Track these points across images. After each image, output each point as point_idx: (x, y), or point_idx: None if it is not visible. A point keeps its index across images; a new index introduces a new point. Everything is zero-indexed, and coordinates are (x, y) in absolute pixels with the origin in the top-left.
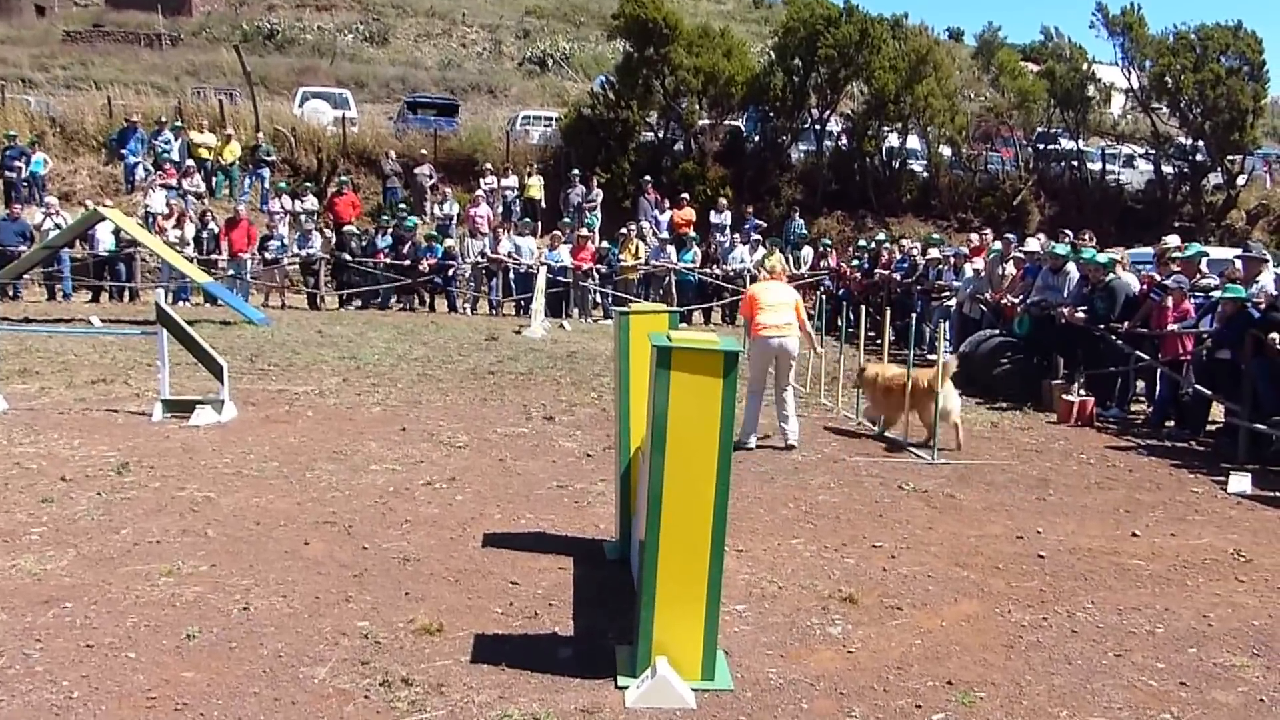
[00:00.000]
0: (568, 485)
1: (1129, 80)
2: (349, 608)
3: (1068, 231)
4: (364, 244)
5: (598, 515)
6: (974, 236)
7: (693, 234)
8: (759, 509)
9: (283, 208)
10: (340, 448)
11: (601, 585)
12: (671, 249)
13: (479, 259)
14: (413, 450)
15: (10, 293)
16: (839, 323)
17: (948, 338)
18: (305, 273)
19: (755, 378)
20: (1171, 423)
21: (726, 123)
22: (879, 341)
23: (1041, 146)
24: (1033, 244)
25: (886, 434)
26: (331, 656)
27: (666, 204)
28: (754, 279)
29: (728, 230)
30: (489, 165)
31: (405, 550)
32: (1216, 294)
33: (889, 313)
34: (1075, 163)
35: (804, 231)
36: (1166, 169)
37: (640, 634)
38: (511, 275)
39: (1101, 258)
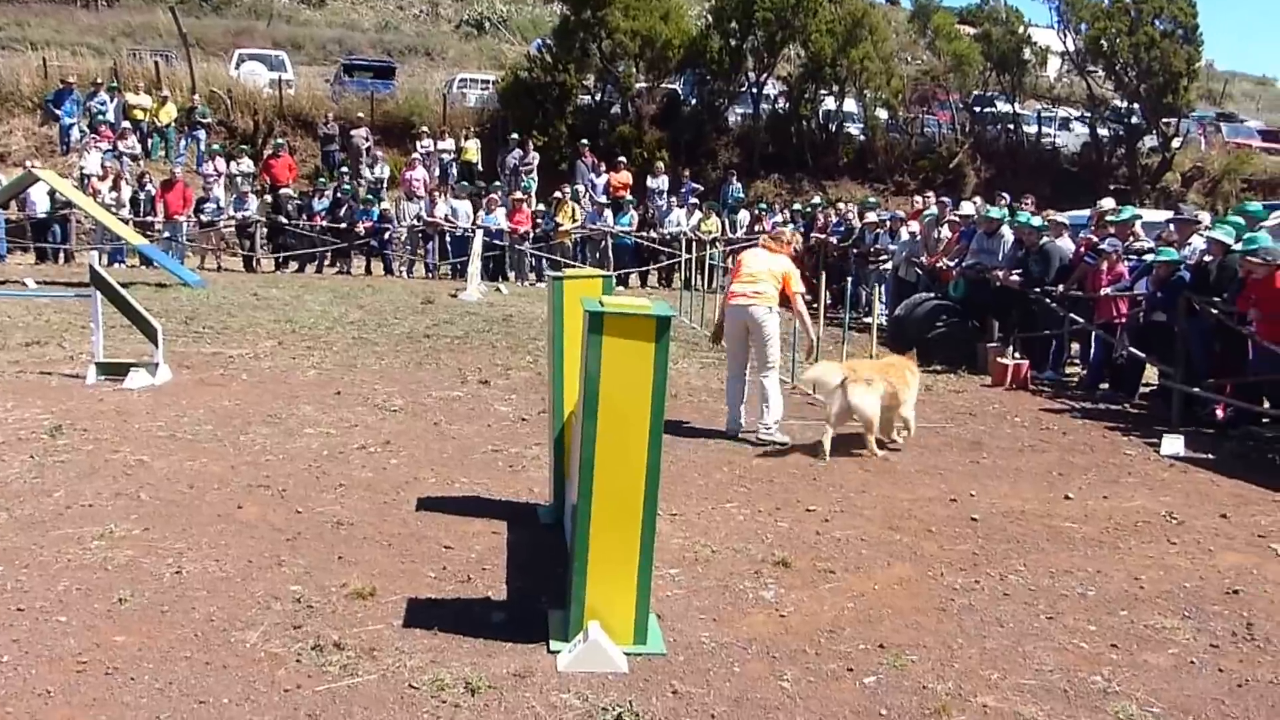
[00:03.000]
0: (502, 449)
1: (1065, 43)
2: (282, 572)
3: (1004, 194)
4: (300, 207)
5: (532, 479)
6: (912, 200)
7: (629, 197)
8: (693, 473)
9: (218, 170)
10: (275, 411)
11: (535, 549)
12: (608, 213)
13: (415, 222)
14: (347, 414)
15: None
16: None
17: (883, 301)
18: (241, 235)
19: (729, 355)
20: (1105, 385)
21: (663, 86)
22: (814, 305)
23: (978, 110)
24: (968, 207)
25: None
26: (264, 621)
27: (603, 167)
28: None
29: (664, 194)
30: (425, 128)
31: (339, 514)
32: (1150, 257)
33: (825, 277)
34: (1011, 126)
35: (741, 195)
36: (1102, 132)
37: (573, 598)
38: (448, 239)
39: (1036, 220)
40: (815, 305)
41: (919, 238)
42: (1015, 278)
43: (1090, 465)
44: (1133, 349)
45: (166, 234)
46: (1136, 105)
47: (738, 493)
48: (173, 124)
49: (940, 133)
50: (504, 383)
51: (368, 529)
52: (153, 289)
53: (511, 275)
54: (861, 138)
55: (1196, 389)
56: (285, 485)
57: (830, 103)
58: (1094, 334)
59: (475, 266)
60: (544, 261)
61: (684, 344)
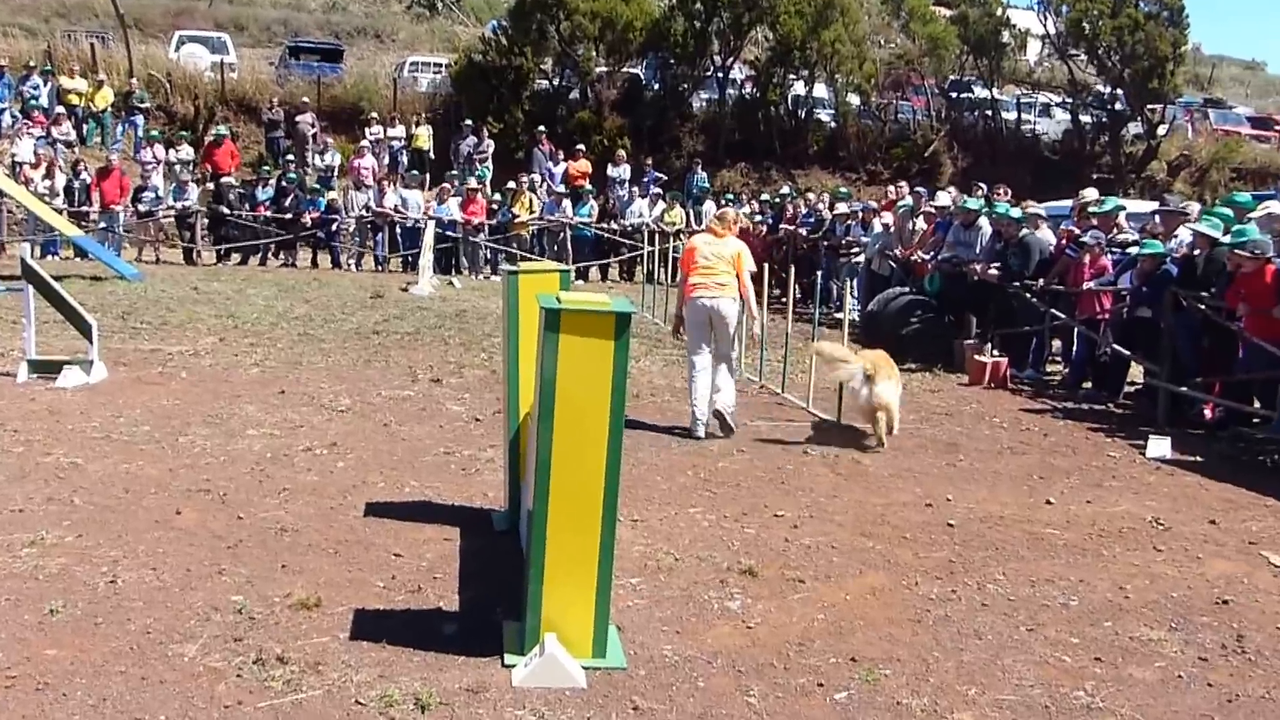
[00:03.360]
0: (455, 451)
1: (1045, 26)
2: (222, 581)
3: (981, 184)
4: (243, 196)
5: (486, 483)
6: (885, 190)
7: (589, 187)
8: (655, 476)
9: (157, 157)
10: (215, 411)
11: (489, 557)
12: (567, 203)
13: (364, 212)
14: (292, 414)
15: None
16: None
17: (855, 296)
18: (181, 226)
19: (692, 347)
20: (1088, 384)
21: (625, 70)
22: (784, 300)
23: (954, 95)
24: (944, 198)
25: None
26: (203, 633)
27: (561, 155)
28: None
29: (626, 183)
30: (375, 114)
31: (282, 520)
32: (1135, 250)
33: (794, 270)
34: (989, 112)
35: (706, 184)
36: (1084, 118)
37: (528, 609)
38: (398, 230)
39: (1015, 212)
40: (784, 299)
41: (893, 229)
42: (993, 271)
43: (1073, 468)
44: (1117, 346)
45: (102, 224)
46: (1120, 91)
47: (702, 497)
48: (109, 109)
49: (915, 119)
50: (457, 381)
51: (313, 536)
52: (87, 282)
53: (465, 269)
54: (832, 125)
55: (1184, 388)
56: (226, 489)
57: (800, 88)
58: (1076, 330)
59: (427, 259)
60: (499, 254)
61: (646, 341)
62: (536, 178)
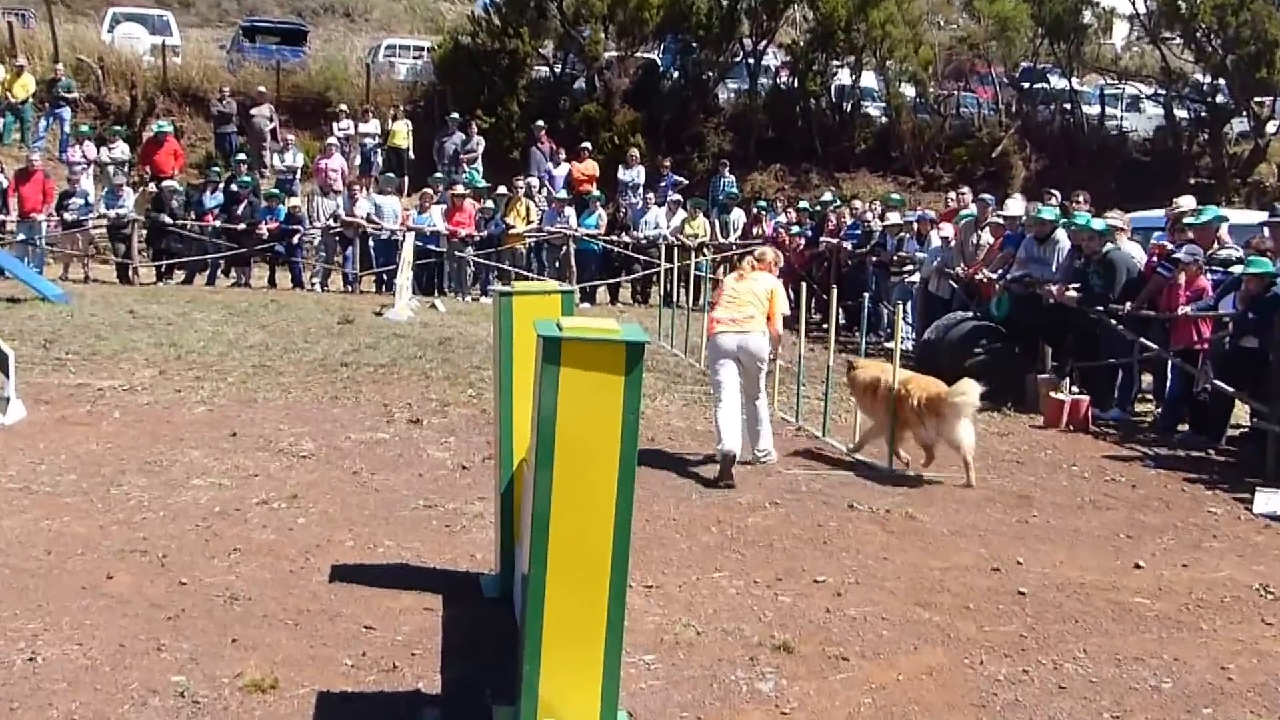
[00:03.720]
0: (437, 505)
1: (1134, 4)
2: (161, 658)
3: (1053, 192)
4: (188, 203)
5: (474, 542)
6: (944, 197)
7: (596, 193)
8: (673, 534)
9: (86, 157)
10: (154, 457)
11: (476, 630)
12: (570, 211)
13: (331, 222)
14: (245, 460)
15: None
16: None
17: (909, 321)
18: (115, 238)
19: (718, 382)
20: (1184, 427)
21: (638, 55)
22: (824, 326)
23: (1026, 86)
24: (1014, 206)
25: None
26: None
27: (563, 155)
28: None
29: (640, 189)
30: (344, 106)
31: (233, 586)
32: (1239, 269)
33: (837, 291)
34: (1068, 106)
35: (734, 190)
36: (1180, 113)
37: (523, 691)
38: (371, 243)
39: (1098, 223)
40: (825, 325)
41: (953, 244)
42: (1072, 293)
43: (1166, 526)
44: (1218, 382)
45: (21, 236)
46: (1222, 81)
47: (729, 559)
48: (30, 100)
49: (980, 114)
50: (440, 422)
51: (269, 604)
52: (4, 305)
53: (450, 289)
54: (883, 120)
55: None
56: (166, 550)
57: (844, 77)
58: (1170, 363)
59: (405, 278)
60: (490, 272)
61: (662, 375)
62: (534, 181)
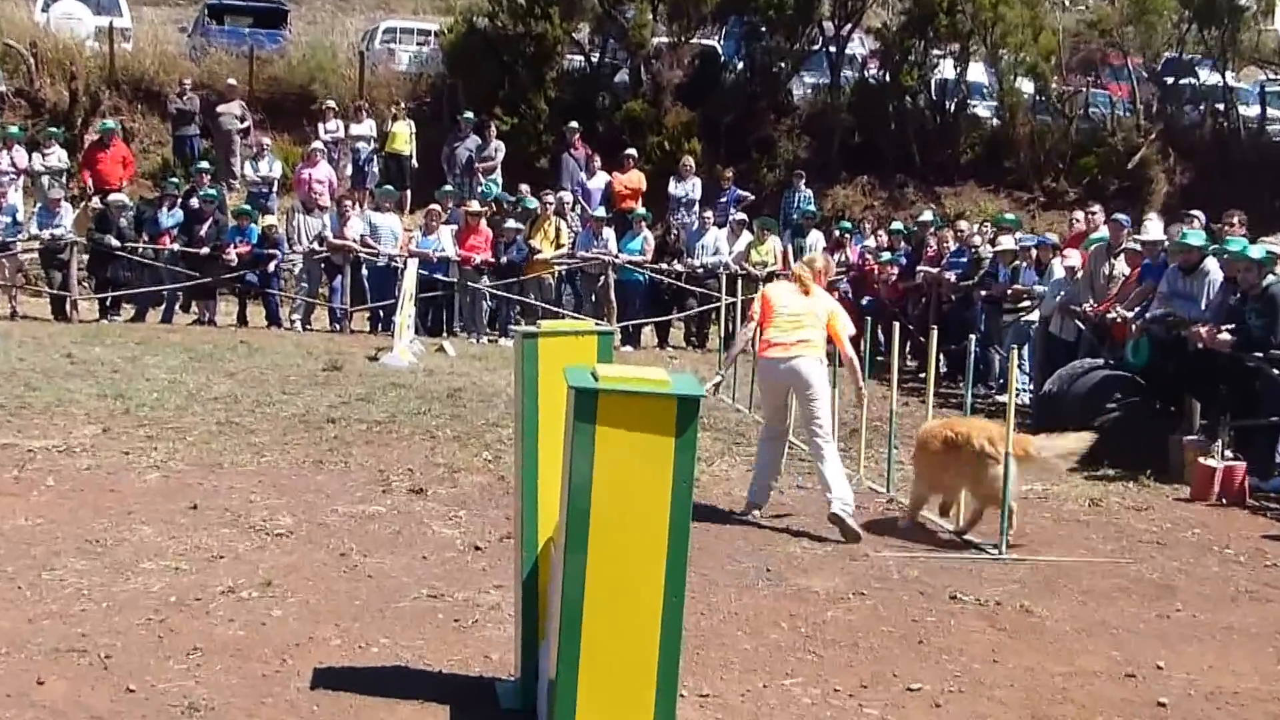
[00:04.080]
0: (444, 594)
1: None
2: None
3: (1196, 214)
4: (139, 221)
5: (488, 640)
6: (1069, 217)
7: (642, 210)
8: (735, 630)
9: (16, 165)
10: (96, 535)
11: None
12: (609, 233)
13: (315, 246)
14: (207, 539)
15: None
16: (861, 347)
17: (1026, 370)
18: (49, 264)
19: (768, 416)
20: None
21: (694, 42)
22: (922, 374)
23: (1170, 81)
24: (1154, 229)
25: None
26: None
27: (599, 164)
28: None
29: (695, 205)
30: (332, 103)
31: (192, 694)
32: None
33: (937, 332)
34: (1220, 106)
35: (811, 208)
36: None
37: None
38: (365, 271)
39: (1256, 250)
40: (922, 374)
41: (1080, 275)
42: (1225, 337)
43: None
44: None
45: None
46: None
47: (803, 662)
48: None
49: (1113, 115)
50: (448, 492)
51: (237, 716)
52: None
53: (461, 328)
54: (994, 122)
55: None
56: (110, 649)
57: (947, 69)
58: None
59: (406, 314)
60: (511, 308)
61: (721, 435)
62: (566, 196)
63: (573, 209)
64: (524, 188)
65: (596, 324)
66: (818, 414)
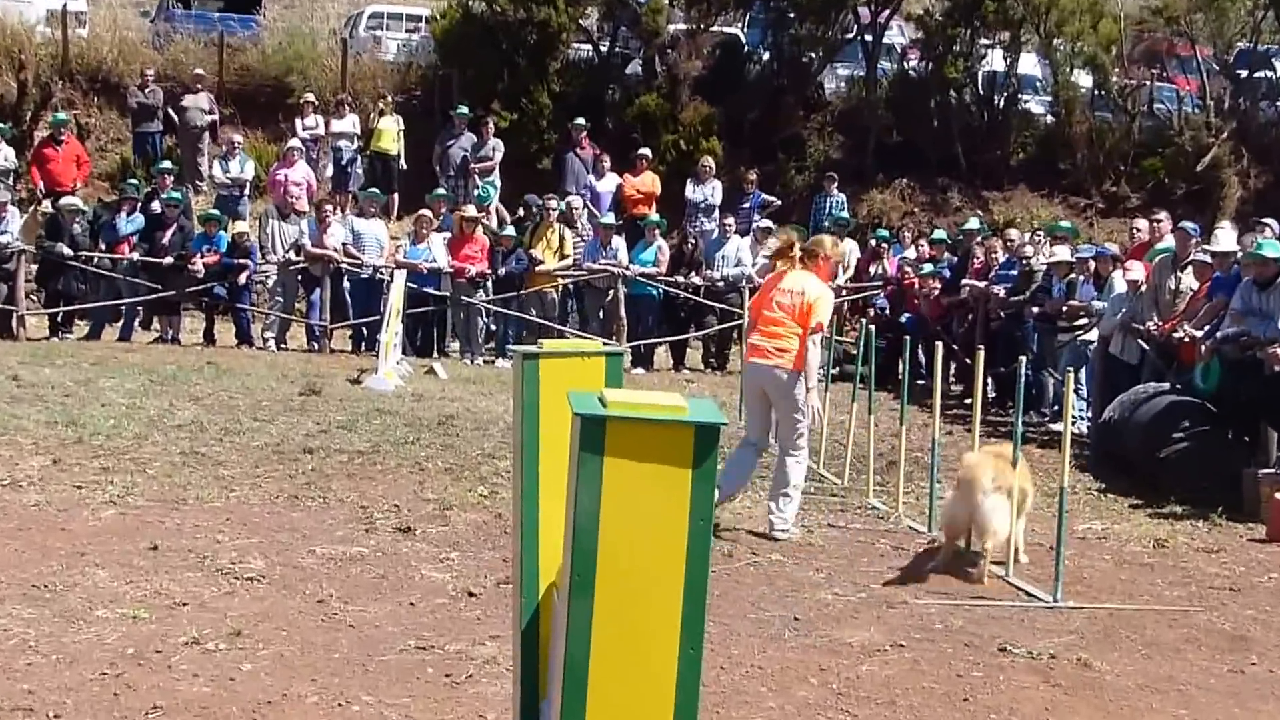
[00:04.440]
0: (433, 646)
1: None
2: None
3: (1271, 223)
4: (95, 228)
5: (483, 698)
6: (1132, 225)
7: (656, 217)
8: (759, 686)
9: None
10: (44, 579)
11: None
12: (620, 242)
13: (292, 255)
14: (169, 584)
15: None
16: (899, 368)
17: (1084, 396)
18: None
19: (748, 418)
20: None
21: (715, 29)
22: (967, 400)
23: (1243, 75)
24: (1226, 239)
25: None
26: None
27: (606, 165)
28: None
29: (715, 211)
30: (311, 97)
31: None
32: None
33: (984, 353)
34: None
35: (845, 214)
36: None
37: None
38: (347, 284)
39: None
40: (968, 400)
41: (1144, 290)
42: None
43: None
44: None
45: None
46: None
47: None
48: None
49: (1181, 112)
50: (438, 531)
51: None
52: None
53: (454, 348)
54: (1048, 119)
55: None
56: (59, 708)
57: (996, 60)
58: None
59: (393, 332)
60: (510, 325)
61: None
62: (576, 201)
63: (580, 214)
64: (530, 197)
65: (605, 344)
66: (792, 422)
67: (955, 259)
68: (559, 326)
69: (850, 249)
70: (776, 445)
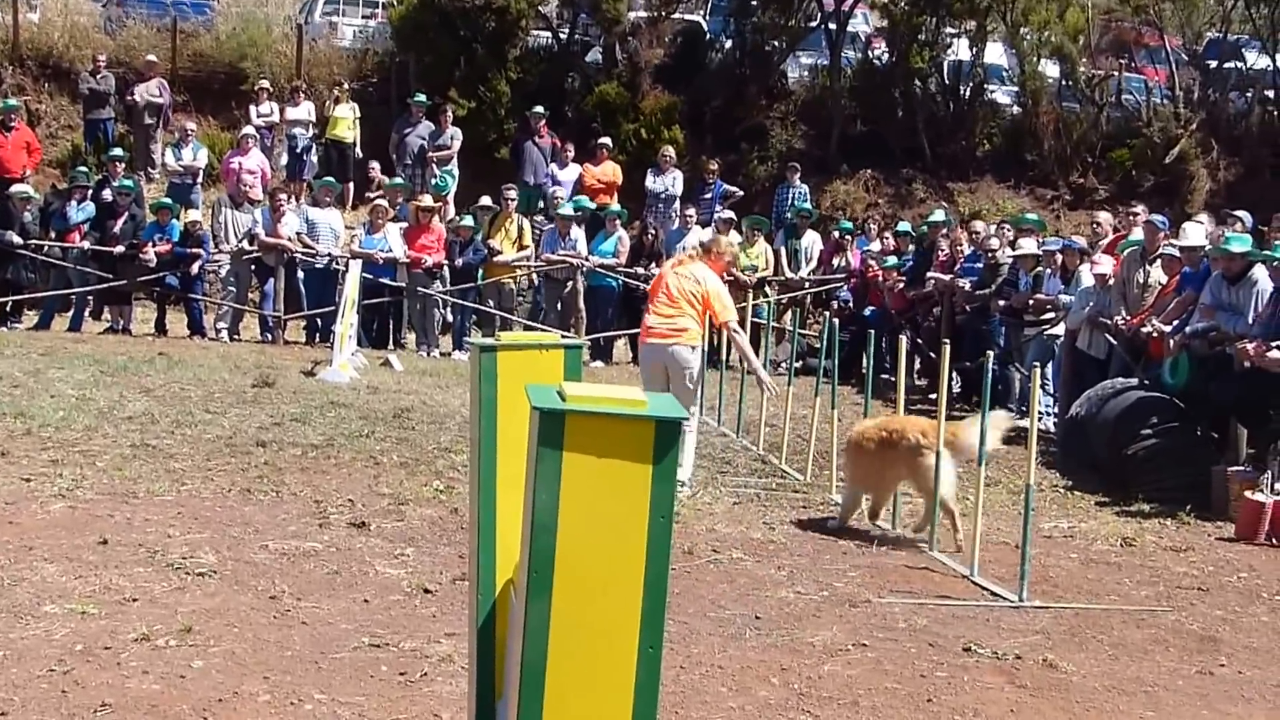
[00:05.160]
0: (388, 643)
1: None
2: None
3: (1242, 215)
4: (45, 216)
5: (438, 696)
6: (1096, 218)
7: (616, 207)
8: (719, 686)
9: None
10: None
11: None
12: (579, 233)
13: (245, 245)
14: (119, 579)
15: None
16: (863, 362)
17: (1050, 391)
18: None
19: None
20: None
21: (676, 17)
22: (932, 396)
23: (1213, 65)
24: (1195, 233)
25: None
26: None
27: (571, 154)
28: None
29: (676, 201)
30: (265, 83)
31: None
32: None
33: (950, 347)
34: (1269, 93)
35: (808, 206)
36: None
37: None
38: (301, 274)
39: None
40: (933, 395)
41: (1112, 283)
42: (1276, 354)
43: None
44: None
45: None
46: None
47: None
48: None
49: (1149, 103)
50: (393, 527)
51: None
52: None
53: (410, 340)
54: (1015, 110)
55: None
56: (7, 705)
57: (961, 50)
58: None
59: (348, 324)
60: (467, 317)
61: (706, 462)
62: (562, 192)
63: (539, 205)
64: (484, 199)
65: (563, 336)
66: (684, 394)
67: (920, 252)
68: (517, 318)
69: (813, 242)
70: None
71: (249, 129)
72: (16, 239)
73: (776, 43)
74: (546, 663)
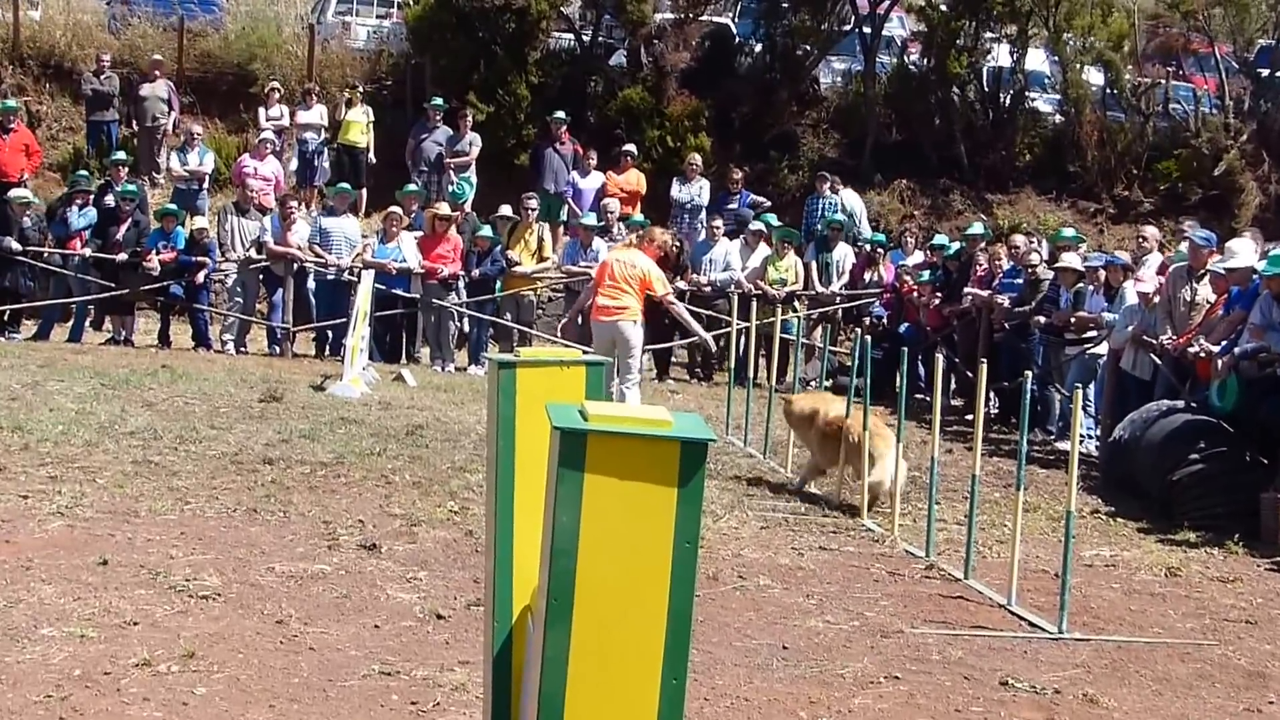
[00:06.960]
0: (399, 671)
1: None
2: None
3: None
4: (45, 222)
5: None
6: (1142, 233)
7: (639, 217)
8: (745, 719)
9: None
10: None
11: None
12: (602, 244)
13: (253, 254)
14: (119, 601)
15: None
16: (897, 381)
17: (1092, 413)
18: None
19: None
20: None
21: (704, 19)
22: (969, 416)
23: (1264, 73)
24: (1243, 250)
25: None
26: None
27: (593, 162)
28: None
29: (702, 212)
30: (276, 85)
31: None
32: None
33: (987, 366)
34: None
35: (840, 217)
36: None
37: None
38: (312, 284)
39: None
40: (969, 416)
41: (1157, 301)
42: None
43: None
44: None
45: None
46: None
47: None
48: None
49: (1198, 113)
50: (406, 549)
51: None
52: None
53: (424, 354)
54: (1057, 118)
55: None
56: None
57: (1002, 55)
58: None
59: (360, 336)
60: (485, 331)
61: (732, 484)
62: (553, 199)
63: (561, 214)
64: (504, 209)
65: (585, 352)
66: (630, 362)
67: (957, 266)
68: (536, 334)
69: (845, 255)
70: (616, 382)
71: (267, 134)
72: (15, 245)
73: (808, 46)
74: (565, 694)
